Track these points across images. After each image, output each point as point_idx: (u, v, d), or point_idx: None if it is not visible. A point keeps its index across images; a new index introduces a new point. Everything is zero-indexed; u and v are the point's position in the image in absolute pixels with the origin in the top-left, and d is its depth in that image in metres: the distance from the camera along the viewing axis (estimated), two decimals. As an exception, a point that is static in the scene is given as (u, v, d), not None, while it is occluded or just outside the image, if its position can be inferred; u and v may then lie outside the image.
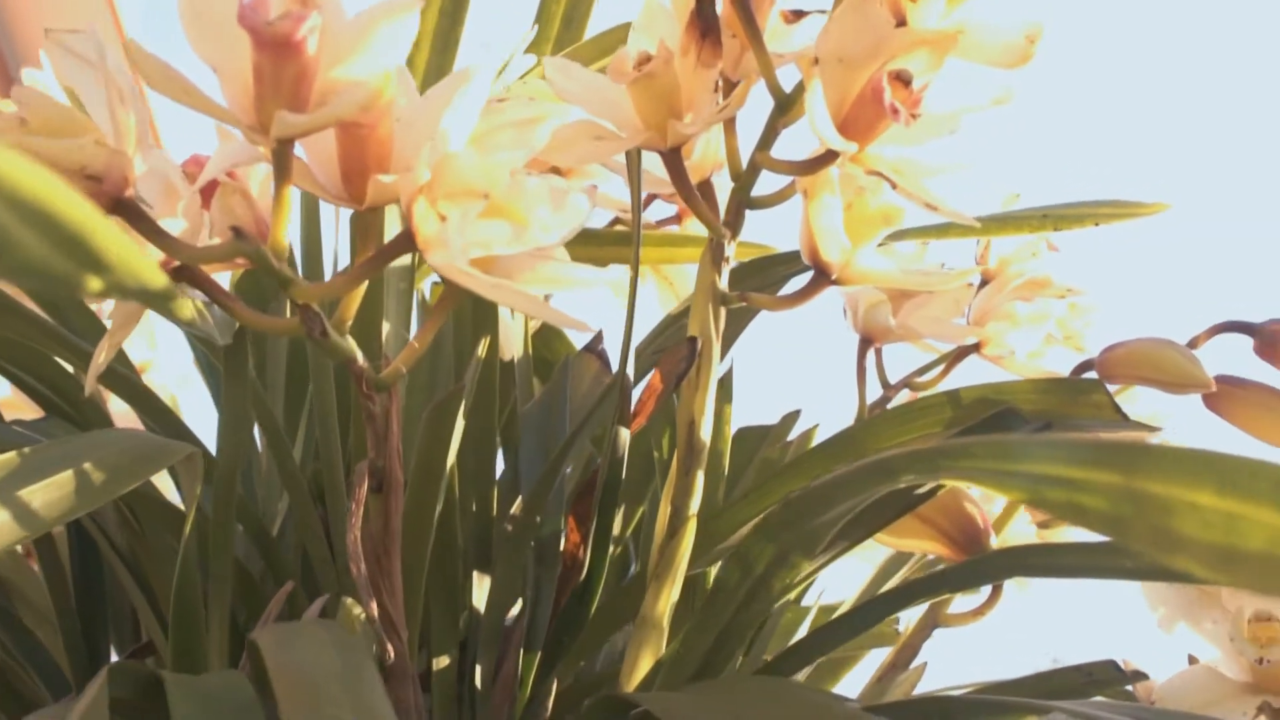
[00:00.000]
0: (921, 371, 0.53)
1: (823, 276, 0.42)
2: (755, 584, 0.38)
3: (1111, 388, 0.46)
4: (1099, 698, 0.49)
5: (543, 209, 0.34)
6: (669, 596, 0.44)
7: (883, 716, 0.32)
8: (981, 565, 0.38)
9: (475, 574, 0.50)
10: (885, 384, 0.53)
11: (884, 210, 0.41)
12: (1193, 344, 0.46)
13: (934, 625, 0.45)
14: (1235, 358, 0.48)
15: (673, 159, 0.41)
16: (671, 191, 0.44)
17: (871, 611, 0.40)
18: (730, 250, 0.43)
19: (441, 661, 0.47)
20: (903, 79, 0.37)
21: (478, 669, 0.48)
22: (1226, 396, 0.45)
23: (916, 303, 0.52)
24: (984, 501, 0.44)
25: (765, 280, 0.52)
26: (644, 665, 0.43)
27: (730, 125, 0.42)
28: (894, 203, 0.41)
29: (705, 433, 0.43)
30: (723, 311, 0.43)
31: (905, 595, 0.39)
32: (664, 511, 0.44)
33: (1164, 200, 0.45)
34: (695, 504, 0.44)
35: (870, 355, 0.53)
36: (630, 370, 0.44)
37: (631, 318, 0.44)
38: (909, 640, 0.46)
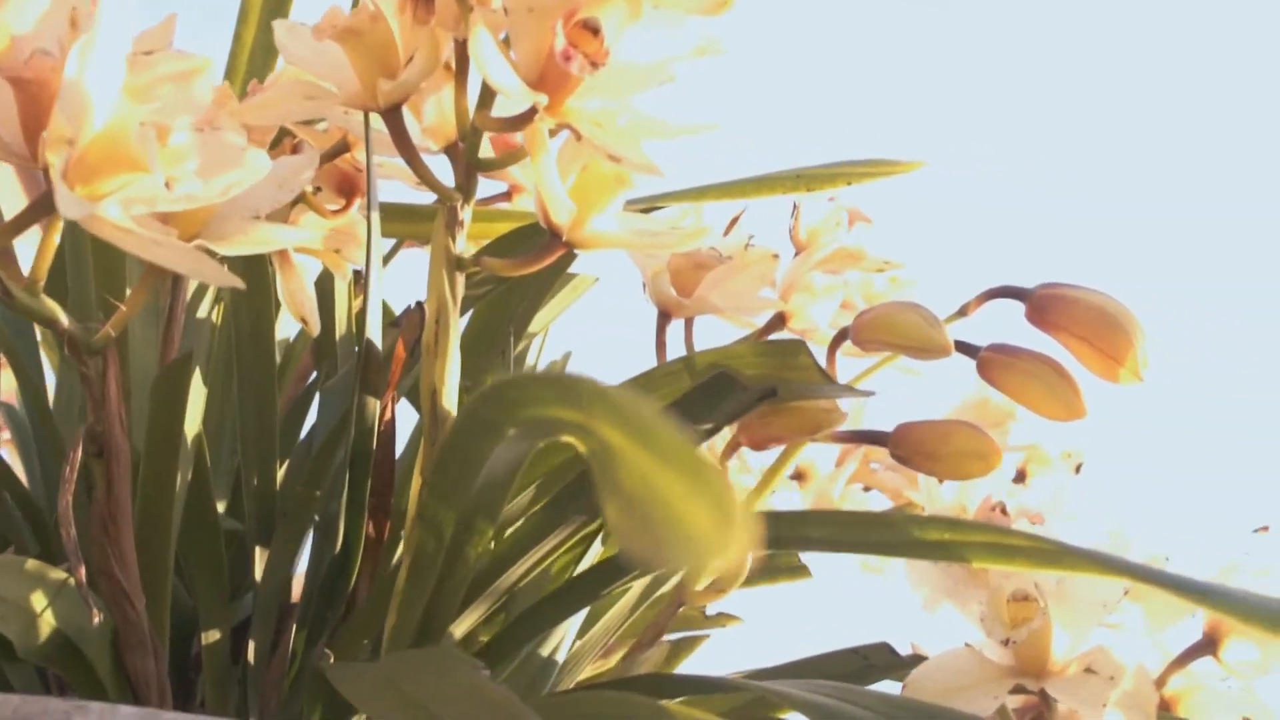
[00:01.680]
0: (732, 347, 0.51)
1: (555, 239, 0.40)
2: (450, 552, 0.37)
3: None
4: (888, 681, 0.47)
5: (190, 164, 0.33)
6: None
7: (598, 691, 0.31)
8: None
9: (258, 549, 0.50)
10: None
11: (617, 172, 0.40)
12: (964, 310, 0.44)
13: (679, 604, 0.44)
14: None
15: (392, 119, 0.40)
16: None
17: (581, 588, 0.38)
18: (465, 215, 0.42)
19: (211, 636, 0.47)
20: (590, 27, 0.36)
21: (250, 645, 0.47)
22: (997, 365, 0.43)
23: (718, 276, 0.50)
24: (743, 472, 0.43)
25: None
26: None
27: (461, 86, 0.41)
28: (628, 172, 0.39)
29: (448, 401, 0.42)
30: (460, 277, 0.42)
31: (614, 570, 0.38)
32: (415, 484, 0.43)
33: (919, 159, 0.43)
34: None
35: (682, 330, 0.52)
36: (378, 339, 0.44)
37: (367, 284, 0.43)
38: (654, 619, 0.44)
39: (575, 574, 0.39)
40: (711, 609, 0.53)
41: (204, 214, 0.39)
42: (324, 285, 0.55)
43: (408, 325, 0.42)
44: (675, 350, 0.52)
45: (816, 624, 0.52)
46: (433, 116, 0.43)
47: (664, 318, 0.50)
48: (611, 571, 0.38)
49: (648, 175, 0.36)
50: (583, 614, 0.48)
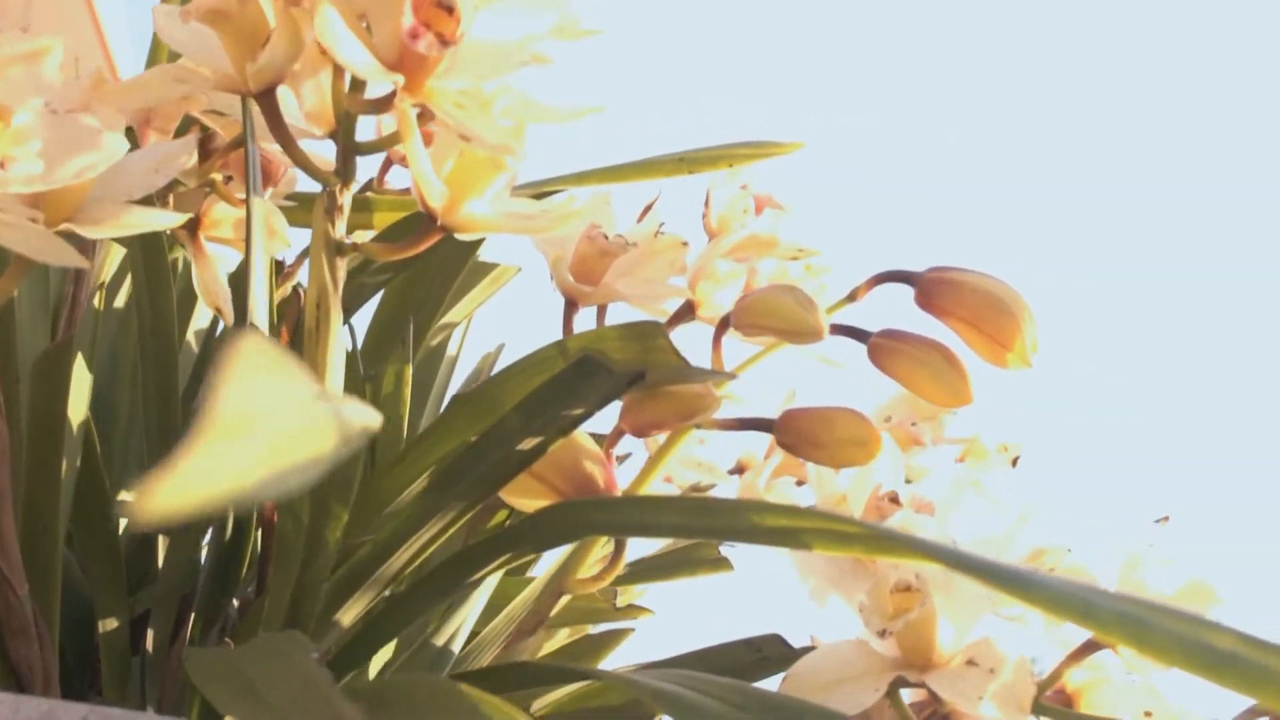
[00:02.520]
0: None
1: (430, 223, 0.40)
2: (310, 536, 0.37)
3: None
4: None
5: (34, 145, 0.33)
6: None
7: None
8: (554, 522, 0.36)
9: (161, 537, 0.49)
10: (718, 367, 0.51)
11: (493, 156, 0.39)
12: (853, 295, 0.43)
13: (558, 592, 0.43)
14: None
15: (265, 103, 0.40)
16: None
17: (445, 574, 0.38)
18: (345, 199, 0.41)
19: (108, 625, 0.47)
20: (444, 6, 0.35)
21: (149, 633, 0.47)
22: (885, 350, 0.42)
23: (625, 263, 0.50)
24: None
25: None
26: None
27: (339, 69, 0.40)
28: (502, 156, 0.39)
29: (332, 387, 0.42)
30: (341, 262, 0.42)
31: (473, 558, 0.37)
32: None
33: (799, 140, 0.42)
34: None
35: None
36: (263, 324, 0.43)
37: (248, 270, 0.43)
38: (534, 607, 0.43)
39: (439, 561, 0.38)
40: (622, 601, 0.52)
41: (75, 198, 0.39)
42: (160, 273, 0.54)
43: (289, 310, 0.42)
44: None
45: (752, 617, 0.51)
46: (313, 101, 0.42)
47: (570, 306, 0.50)
48: (477, 557, 0.37)
49: (503, 155, 0.35)
50: (482, 602, 0.48)
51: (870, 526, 0.29)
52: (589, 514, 0.35)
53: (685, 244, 0.50)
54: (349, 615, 0.42)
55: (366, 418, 0.23)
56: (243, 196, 0.51)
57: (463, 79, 0.37)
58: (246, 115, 0.42)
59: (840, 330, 0.43)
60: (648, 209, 0.52)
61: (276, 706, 0.29)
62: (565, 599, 0.52)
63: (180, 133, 0.50)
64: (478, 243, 0.50)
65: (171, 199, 0.51)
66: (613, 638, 0.58)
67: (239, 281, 0.53)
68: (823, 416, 0.40)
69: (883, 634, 0.38)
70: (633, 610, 0.52)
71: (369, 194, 0.54)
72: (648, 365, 0.37)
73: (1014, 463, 0.64)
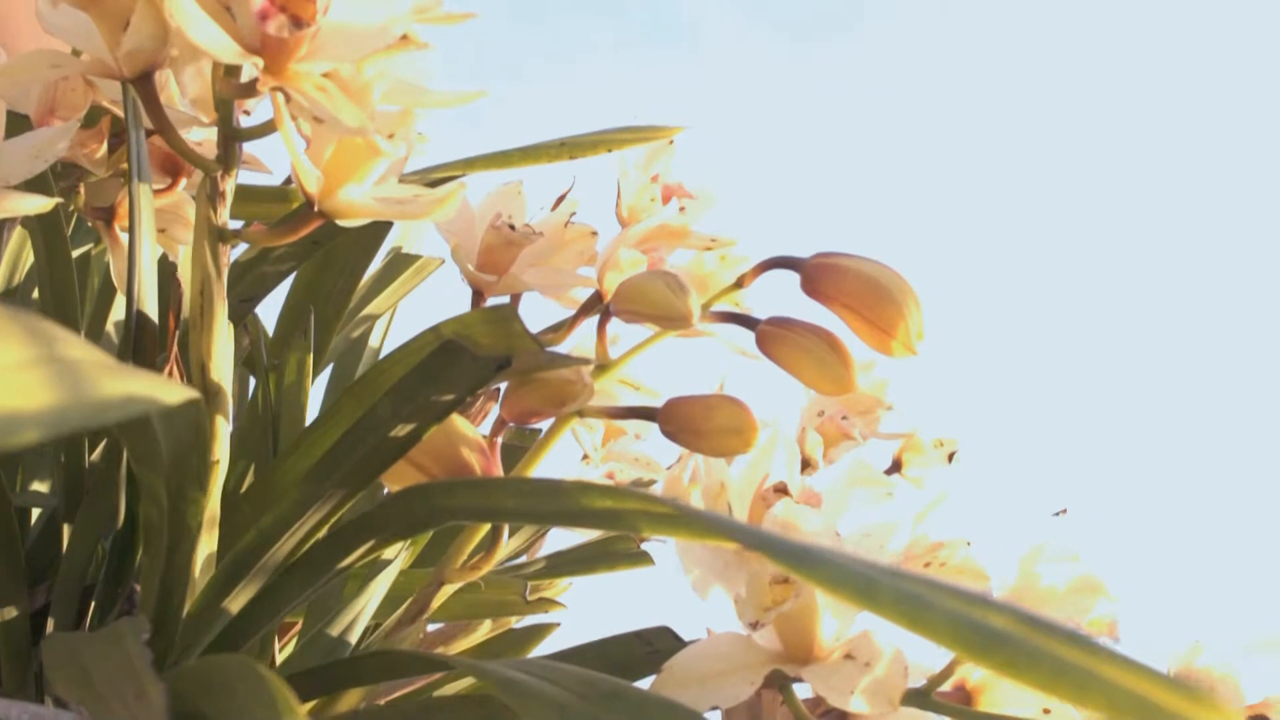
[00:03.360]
0: (555, 327, 0.50)
1: (309, 208, 0.40)
2: (172, 521, 0.36)
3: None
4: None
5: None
6: (204, 547, 0.43)
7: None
8: (403, 507, 0.35)
9: (66, 527, 0.49)
10: (604, 357, 0.50)
11: (369, 141, 0.39)
12: (740, 282, 0.42)
13: (439, 582, 0.42)
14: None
15: (141, 88, 0.40)
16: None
17: (308, 566, 0.37)
18: (228, 186, 0.41)
19: (8, 614, 0.47)
20: (299, -12, 0.35)
21: (49, 624, 0.47)
22: (772, 338, 0.41)
23: (533, 253, 0.49)
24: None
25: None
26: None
27: (219, 55, 0.40)
28: (373, 140, 0.39)
29: (218, 374, 0.42)
30: (225, 249, 0.41)
31: (337, 545, 0.37)
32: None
33: (680, 124, 0.42)
34: (220, 450, 0.42)
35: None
36: (152, 311, 0.43)
37: (133, 257, 0.43)
38: (416, 597, 0.43)
39: (305, 547, 0.38)
40: (531, 594, 0.52)
41: (-49, 184, 0.39)
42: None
43: (173, 297, 0.42)
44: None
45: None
46: (195, 88, 0.42)
47: (478, 295, 0.49)
48: (340, 543, 0.37)
49: (360, 137, 0.35)
50: (379, 595, 0.47)
51: (682, 508, 0.28)
52: (432, 498, 0.35)
53: (594, 234, 0.50)
54: (237, 602, 0.42)
55: (134, 390, 0.23)
56: (159, 187, 0.51)
57: (325, 62, 0.37)
58: (128, 101, 0.42)
59: (728, 318, 0.42)
60: (561, 199, 0.51)
61: (99, 687, 0.29)
62: (480, 592, 0.52)
63: (90, 122, 0.50)
64: (381, 234, 0.49)
65: (83, 189, 0.51)
66: (537, 633, 0.57)
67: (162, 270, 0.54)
68: (703, 405, 0.40)
69: (754, 626, 0.37)
70: (544, 604, 0.52)
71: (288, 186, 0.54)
72: (511, 351, 0.37)
73: (950, 458, 0.63)
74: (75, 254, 0.53)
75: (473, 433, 0.40)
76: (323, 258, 0.48)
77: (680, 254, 0.51)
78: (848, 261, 0.40)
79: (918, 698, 0.41)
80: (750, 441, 0.39)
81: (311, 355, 0.47)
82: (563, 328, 0.50)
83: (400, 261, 0.56)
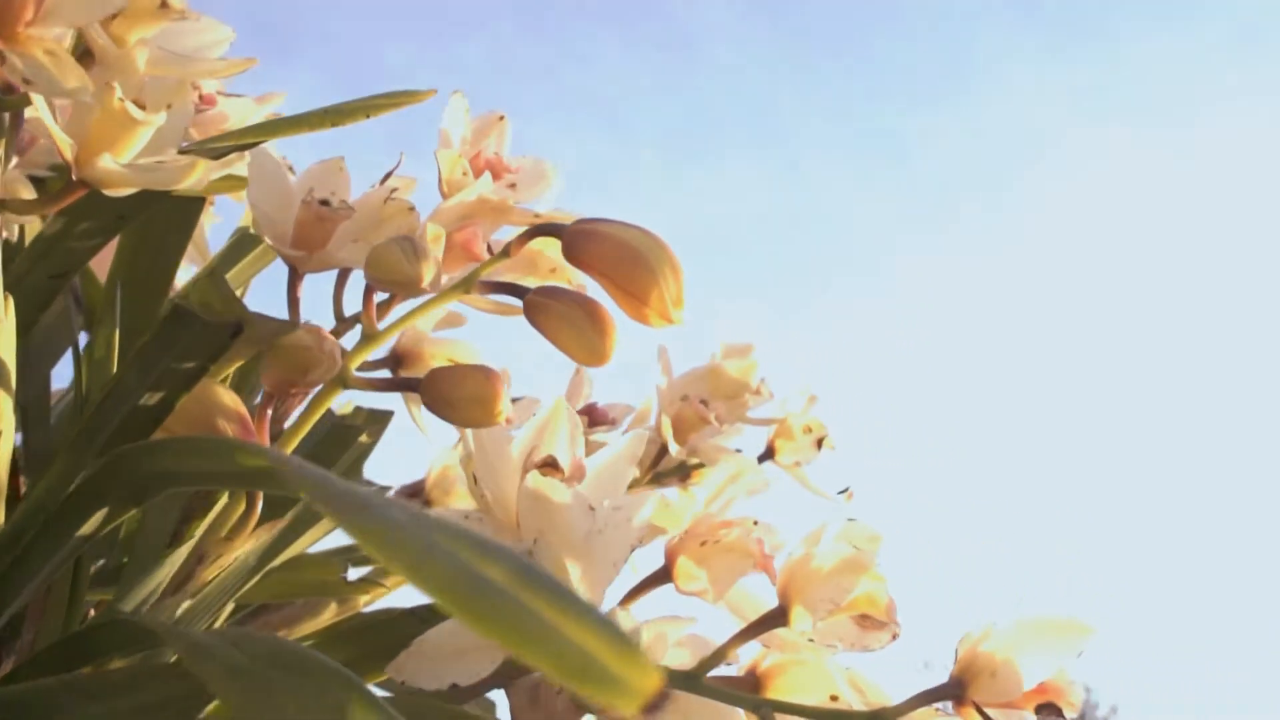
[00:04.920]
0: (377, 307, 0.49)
1: (69, 177, 0.40)
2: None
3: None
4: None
5: None
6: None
7: None
8: (109, 473, 0.35)
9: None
10: (340, 317, 0.50)
11: (126, 111, 0.39)
12: (507, 251, 0.42)
13: (200, 554, 0.42)
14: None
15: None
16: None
17: (44, 539, 0.37)
18: (-3, 155, 0.41)
19: None
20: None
21: None
22: (537, 308, 0.40)
23: (348, 230, 0.48)
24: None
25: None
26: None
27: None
28: (128, 109, 0.39)
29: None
30: (-3, 220, 0.42)
31: (67, 516, 0.36)
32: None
33: (431, 88, 0.41)
34: (4, 421, 0.42)
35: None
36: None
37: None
38: (180, 569, 0.42)
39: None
40: (353, 575, 0.51)
41: None
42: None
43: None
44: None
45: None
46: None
47: (293, 273, 0.49)
48: (70, 514, 0.37)
49: (84, 99, 0.35)
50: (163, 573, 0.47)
51: (280, 460, 0.27)
52: (136, 462, 0.34)
53: (413, 209, 0.49)
54: None
55: None
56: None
57: (57, 25, 0.36)
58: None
59: (496, 287, 0.41)
60: (387, 176, 0.51)
61: None
62: (300, 571, 0.51)
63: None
64: (194, 211, 0.49)
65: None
66: (389, 616, 0.57)
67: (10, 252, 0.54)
68: (455, 375, 0.39)
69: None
70: (366, 586, 0.51)
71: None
72: (236, 317, 0.36)
73: (819, 444, 0.61)
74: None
75: (234, 402, 0.40)
76: (138, 235, 0.48)
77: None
78: (607, 228, 0.39)
79: (686, 680, 0.40)
80: (494, 412, 0.38)
81: (118, 332, 0.47)
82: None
83: (248, 241, 0.56)
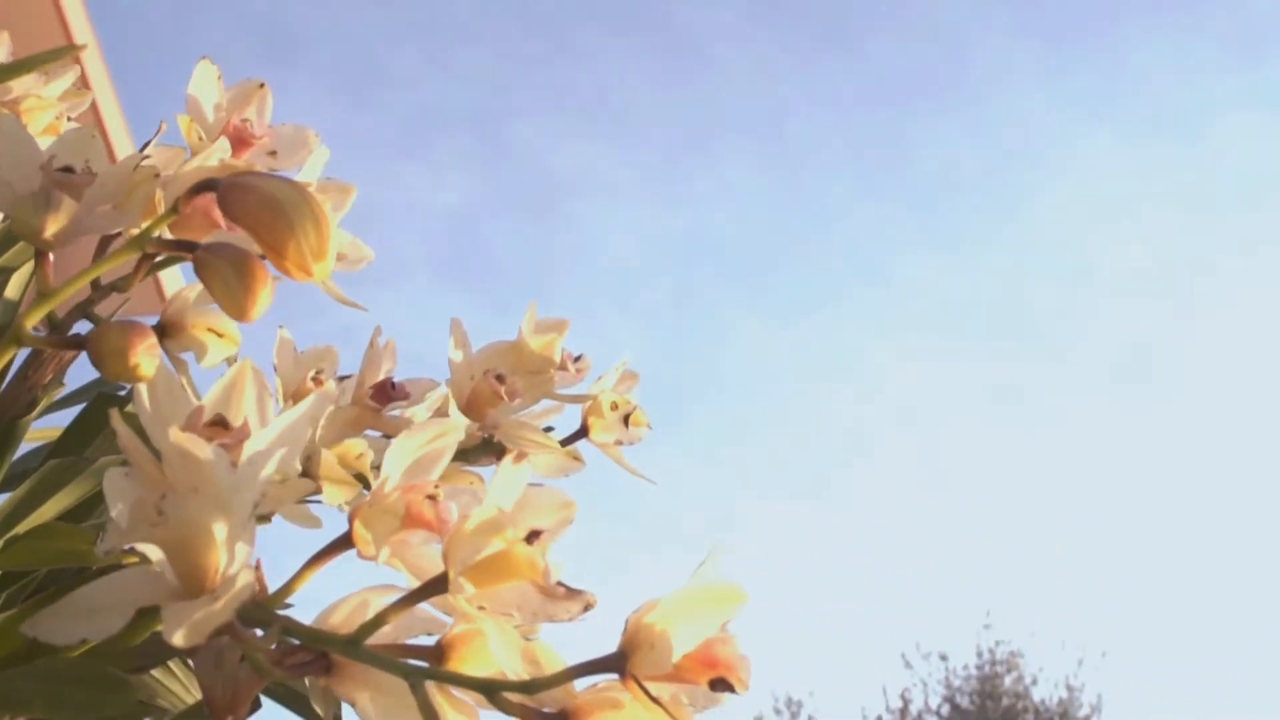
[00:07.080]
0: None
1: None
2: None
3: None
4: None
5: None
6: None
7: None
8: None
9: None
10: (95, 285, 0.50)
11: None
12: (175, 208, 0.41)
13: None
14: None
15: None
16: None
17: None
18: None
19: None
20: None
21: None
22: (200, 264, 0.39)
23: (93, 197, 0.48)
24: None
25: None
26: None
27: None
28: None
29: None
30: None
31: None
32: None
33: (86, 43, 0.40)
34: None
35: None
36: None
37: None
38: None
39: None
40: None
41: None
42: None
43: None
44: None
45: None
46: None
47: (39, 255, 0.49)
48: None
49: None
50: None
51: None
52: None
53: (158, 176, 0.49)
54: None
55: None
56: None
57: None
58: None
59: (167, 245, 0.41)
60: (147, 144, 0.51)
61: None
62: (52, 539, 0.51)
63: None
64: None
65: None
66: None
67: None
68: (102, 332, 0.38)
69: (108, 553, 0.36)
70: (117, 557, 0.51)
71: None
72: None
73: (627, 420, 0.60)
74: None
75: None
76: None
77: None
78: (256, 180, 0.38)
79: (345, 645, 0.39)
80: (131, 364, 0.37)
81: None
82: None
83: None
